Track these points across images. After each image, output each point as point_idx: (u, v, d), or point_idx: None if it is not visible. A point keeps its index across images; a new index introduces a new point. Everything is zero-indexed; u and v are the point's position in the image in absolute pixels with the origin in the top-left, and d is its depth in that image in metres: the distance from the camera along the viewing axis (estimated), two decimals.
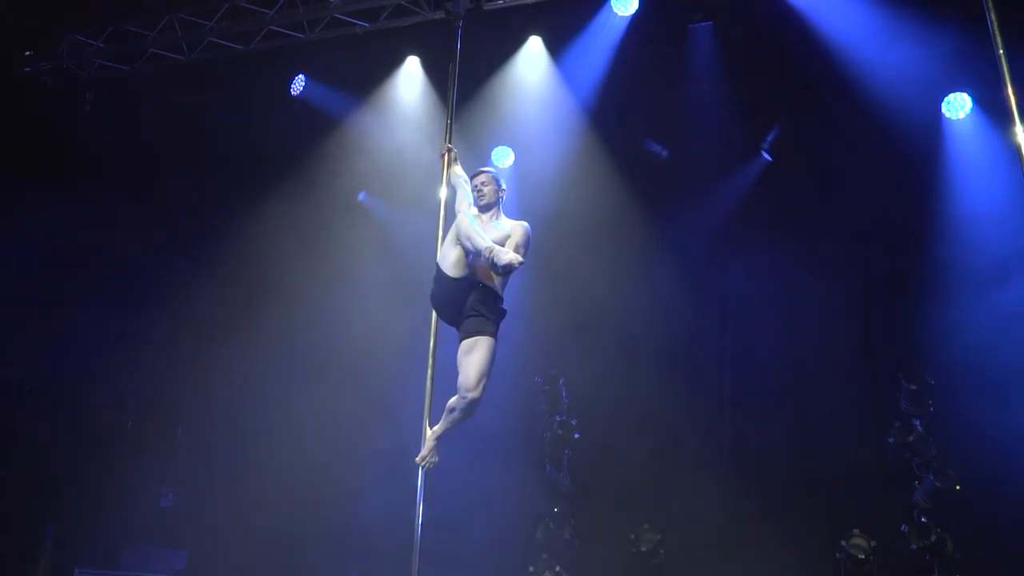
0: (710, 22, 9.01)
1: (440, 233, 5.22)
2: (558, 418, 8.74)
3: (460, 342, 4.72)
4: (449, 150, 5.54)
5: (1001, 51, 4.80)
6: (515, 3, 8.86)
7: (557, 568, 8.24)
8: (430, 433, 4.87)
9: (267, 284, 9.77)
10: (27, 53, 9.73)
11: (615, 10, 8.95)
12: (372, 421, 9.28)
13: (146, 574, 8.27)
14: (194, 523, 9.05)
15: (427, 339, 5.21)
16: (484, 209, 5.07)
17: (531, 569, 8.28)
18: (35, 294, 9.50)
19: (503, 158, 10.05)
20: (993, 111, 8.00)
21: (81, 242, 9.73)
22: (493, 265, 4.42)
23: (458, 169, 5.45)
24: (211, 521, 9.08)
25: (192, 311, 9.69)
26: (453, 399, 4.76)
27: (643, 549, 8.15)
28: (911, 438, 7.68)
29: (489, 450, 8.53)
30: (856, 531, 7.59)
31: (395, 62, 9.90)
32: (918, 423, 7.70)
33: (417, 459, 4.87)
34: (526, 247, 4.81)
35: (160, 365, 9.73)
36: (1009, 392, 7.43)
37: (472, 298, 4.71)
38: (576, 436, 8.69)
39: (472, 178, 5.20)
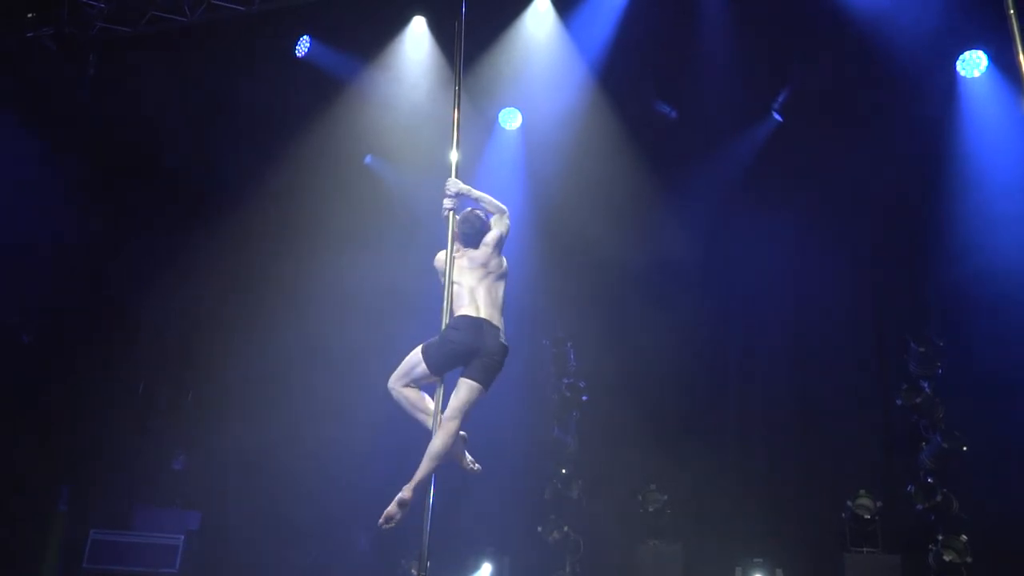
0: None
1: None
2: (566, 380, 8.78)
3: (465, 378, 4.63)
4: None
5: (1012, 11, 4.57)
6: None
7: (565, 528, 8.33)
8: (406, 488, 4.35)
9: (274, 248, 9.76)
10: (29, 15, 9.59)
11: None
12: (382, 384, 9.28)
13: (160, 534, 8.38)
14: (207, 485, 9.16)
15: (440, 299, 4.98)
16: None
17: (539, 529, 8.38)
18: (45, 258, 9.48)
19: (510, 120, 9.96)
20: (1009, 69, 7.86)
21: (90, 208, 9.69)
22: None
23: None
24: (223, 484, 9.19)
25: (200, 276, 9.69)
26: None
27: (650, 509, 8.22)
28: (919, 400, 7.68)
29: (497, 412, 8.57)
30: (862, 491, 7.64)
31: (401, 22, 9.76)
32: (926, 385, 7.70)
33: (381, 520, 4.32)
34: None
35: (170, 330, 9.76)
36: (1018, 356, 7.40)
37: (491, 341, 4.63)
38: (584, 398, 8.73)
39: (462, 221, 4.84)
